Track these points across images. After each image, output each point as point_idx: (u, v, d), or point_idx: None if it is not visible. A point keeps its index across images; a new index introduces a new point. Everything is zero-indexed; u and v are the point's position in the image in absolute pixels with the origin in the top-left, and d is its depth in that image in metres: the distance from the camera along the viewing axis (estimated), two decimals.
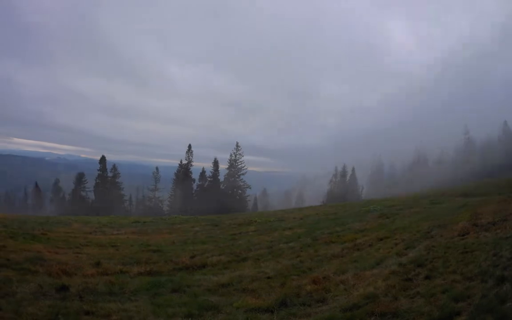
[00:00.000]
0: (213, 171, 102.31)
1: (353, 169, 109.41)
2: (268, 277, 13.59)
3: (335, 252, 17.34)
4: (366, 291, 9.75)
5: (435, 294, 8.79)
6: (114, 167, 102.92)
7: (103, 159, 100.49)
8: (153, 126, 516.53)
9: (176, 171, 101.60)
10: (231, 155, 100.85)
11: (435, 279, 10.12)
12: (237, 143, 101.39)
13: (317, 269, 14.16)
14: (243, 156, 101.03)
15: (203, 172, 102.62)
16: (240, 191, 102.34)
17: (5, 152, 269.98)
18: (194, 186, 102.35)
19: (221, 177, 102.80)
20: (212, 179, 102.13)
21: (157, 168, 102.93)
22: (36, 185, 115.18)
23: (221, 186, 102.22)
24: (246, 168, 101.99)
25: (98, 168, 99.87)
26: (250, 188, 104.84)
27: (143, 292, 11.91)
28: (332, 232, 23.40)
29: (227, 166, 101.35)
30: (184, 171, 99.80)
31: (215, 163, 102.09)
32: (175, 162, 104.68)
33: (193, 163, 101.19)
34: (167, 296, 11.59)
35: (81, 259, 17.99)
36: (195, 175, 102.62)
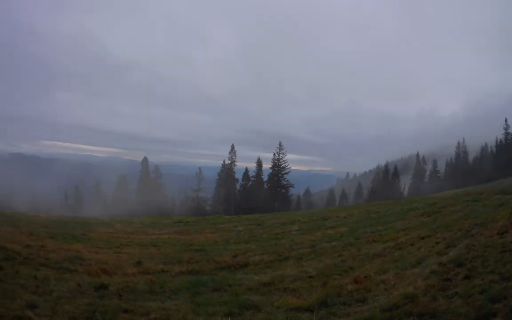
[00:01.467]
0: (256, 170, 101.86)
1: (395, 167, 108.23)
2: (310, 277, 13.53)
3: (377, 251, 17.19)
4: (406, 291, 9.63)
5: (473, 295, 8.60)
6: (157, 168, 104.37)
7: (145, 160, 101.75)
8: (195, 119, 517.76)
9: (219, 171, 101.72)
10: (274, 155, 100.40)
11: (473, 279, 9.91)
12: (280, 142, 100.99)
13: (359, 268, 14.05)
14: (286, 155, 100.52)
15: (246, 172, 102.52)
16: (283, 191, 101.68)
17: (44, 155, 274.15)
18: (238, 185, 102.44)
19: (264, 177, 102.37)
20: (255, 178, 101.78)
21: (200, 169, 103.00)
22: (77, 187, 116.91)
23: (264, 186, 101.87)
24: (289, 167, 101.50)
25: (140, 170, 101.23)
26: (293, 187, 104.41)
27: (183, 291, 12.02)
28: (374, 231, 23.17)
29: (270, 166, 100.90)
30: (227, 171, 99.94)
31: (259, 162, 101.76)
32: (218, 163, 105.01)
33: (236, 163, 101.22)
34: (207, 295, 11.65)
35: (122, 259, 18.23)
36: (238, 175, 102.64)
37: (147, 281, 13.17)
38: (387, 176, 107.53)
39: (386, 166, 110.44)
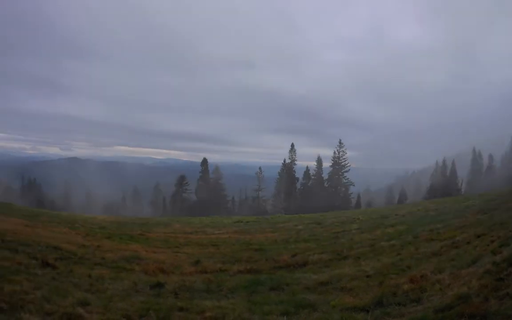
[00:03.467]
0: (316, 169, 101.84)
1: (452, 163, 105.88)
2: (367, 276, 13.46)
3: (434, 249, 16.88)
4: (459, 291, 9.46)
5: None
6: (217, 169, 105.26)
7: (204, 161, 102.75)
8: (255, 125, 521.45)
9: (279, 171, 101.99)
10: (334, 153, 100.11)
11: None
12: (340, 140, 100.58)
13: (416, 267, 13.88)
14: (346, 153, 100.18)
15: (307, 171, 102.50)
16: (343, 189, 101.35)
17: (100, 158, 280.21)
18: (298, 184, 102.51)
19: (324, 175, 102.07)
20: (315, 177, 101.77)
21: (260, 168, 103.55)
22: (135, 188, 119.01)
23: (324, 184, 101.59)
24: (349, 165, 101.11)
25: (200, 170, 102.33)
26: (353, 185, 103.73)
27: (241, 290, 12.18)
28: (432, 229, 22.74)
29: (330, 164, 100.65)
30: (287, 170, 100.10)
31: (319, 161, 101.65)
32: (278, 162, 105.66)
33: (296, 162, 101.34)
34: (264, 294, 11.75)
35: (180, 258, 18.62)
36: (298, 174, 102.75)
37: (204, 280, 13.44)
38: (445, 172, 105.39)
39: (444, 161, 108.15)
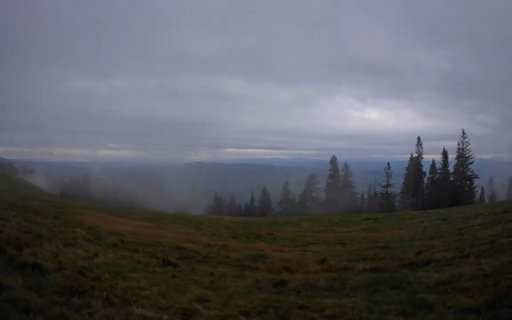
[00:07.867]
0: (442, 162, 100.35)
1: None
2: (485, 275, 13.16)
3: None
4: None
5: None
6: (346, 166, 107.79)
7: (334, 159, 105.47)
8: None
9: (407, 166, 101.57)
10: (458, 144, 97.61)
11: None
12: (463, 130, 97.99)
13: None
14: (470, 144, 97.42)
15: (433, 164, 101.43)
16: (468, 182, 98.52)
17: (229, 161, 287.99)
18: (425, 179, 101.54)
19: (450, 168, 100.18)
20: (441, 170, 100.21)
21: (388, 164, 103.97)
22: (264, 189, 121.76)
23: (450, 178, 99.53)
24: (473, 157, 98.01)
25: (329, 169, 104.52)
26: (477, 177, 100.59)
27: (363, 289, 12.44)
28: None
29: (455, 156, 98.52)
30: (414, 164, 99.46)
31: (444, 154, 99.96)
32: (405, 157, 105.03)
33: (423, 156, 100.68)
34: (385, 293, 11.93)
35: (306, 257, 19.17)
36: (426, 168, 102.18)
37: (328, 278, 13.79)
38: None
39: None
